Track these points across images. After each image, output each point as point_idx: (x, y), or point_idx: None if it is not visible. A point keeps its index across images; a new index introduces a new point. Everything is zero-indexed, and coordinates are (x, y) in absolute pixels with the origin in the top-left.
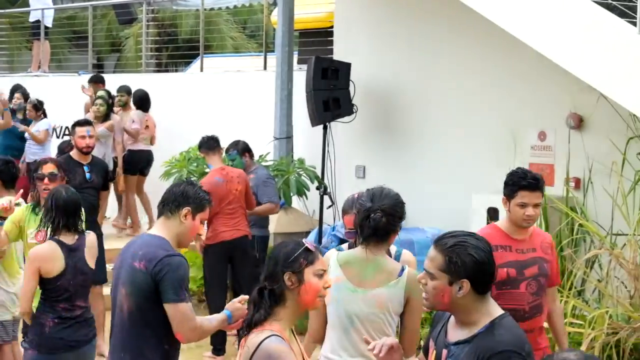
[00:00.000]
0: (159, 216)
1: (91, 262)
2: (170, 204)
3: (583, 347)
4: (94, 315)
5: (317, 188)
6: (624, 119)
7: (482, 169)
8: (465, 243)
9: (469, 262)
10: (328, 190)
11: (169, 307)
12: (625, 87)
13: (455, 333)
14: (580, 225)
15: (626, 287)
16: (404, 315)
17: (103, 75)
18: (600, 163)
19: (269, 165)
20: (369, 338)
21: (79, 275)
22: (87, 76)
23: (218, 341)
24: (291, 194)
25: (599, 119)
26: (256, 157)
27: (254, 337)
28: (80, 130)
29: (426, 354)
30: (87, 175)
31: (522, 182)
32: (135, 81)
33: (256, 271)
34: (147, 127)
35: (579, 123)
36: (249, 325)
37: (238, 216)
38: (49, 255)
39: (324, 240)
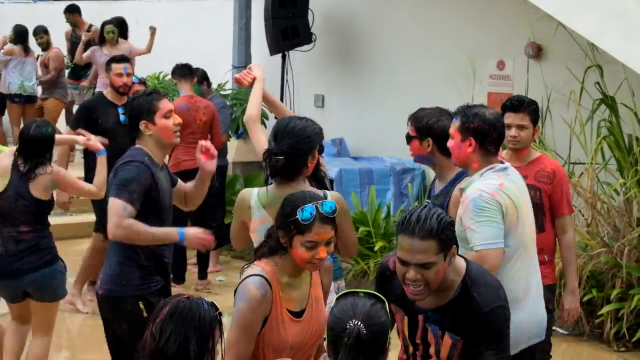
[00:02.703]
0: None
1: (39, 193)
2: (131, 130)
3: None
4: None
5: (276, 117)
6: (582, 48)
7: (441, 98)
8: (441, 216)
9: (453, 229)
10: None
11: (109, 201)
12: (583, 16)
13: (427, 298)
14: None
15: (583, 216)
16: (338, 234)
17: (56, 3)
18: (558, 92)
19: (228, 95)
20: None
21: (20, 199)
22: (42, 3)
23: (177, 269)
24: None
25: (557, 48)
26: (214, 86)
27: (248, 269)
28: (117, 67)
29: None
30: (122, 117)
31: (506, 103)
32: (93, 9)
33: (216, 201)
34: None
35: (537, 52)
36: (256, 257)
37: None
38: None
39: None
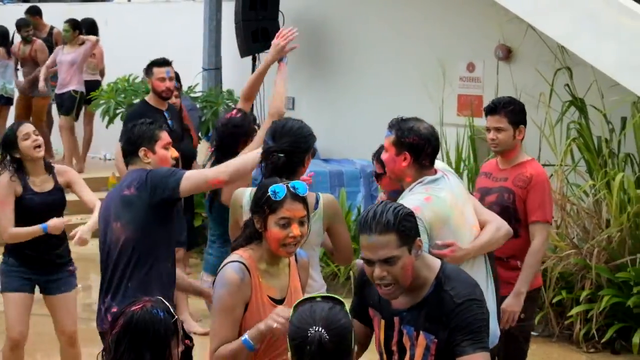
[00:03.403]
0: (127, 167)
1: None
2: (127, 154)
3: None
4: None
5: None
6: (551, 50)
7: (411, 100)
8: (398, 208)
9: (414, 220)
10: (257, 121)
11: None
12: (553, 18)
13: (401, 299)
14: None
15: (553, 217)
16: (332, 237)
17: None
18: (528, 94)
19: (198, 97)
20: None
21: None
22: (11, 5)
23: None
24: None
25: (527, 50)
26: (185, 88)
27: (228, 257)
28: (159, 71)
29: (361, 319)
30: (170, 122)
31: (487, 106)
32: (61, 11)
33: (183, 203)
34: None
35: (507, 54)
36: (232, 248)
37: None
38: None
39: (253, 171)
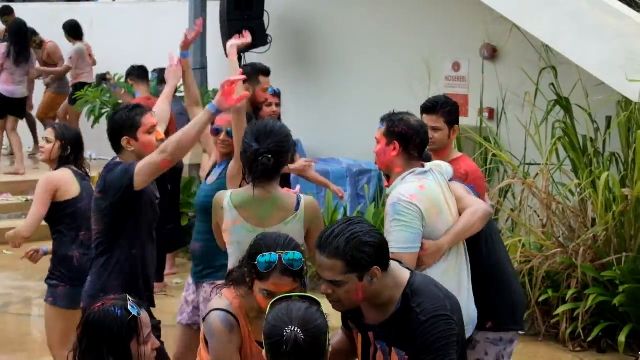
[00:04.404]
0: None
1: None
2: (111, 143)
3: None
4: None
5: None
6: (536, 50)
7: (396, 99)
8: (355, 235)
9: (370, 251)
10: None
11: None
12: (537, 18)
13: (373, 314)
14: (494, 155)
15: (539, 216)
16: (310, 240)
17: (11, 5)
18: (513, 93)
19: (184, 96)
20: None
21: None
22: None
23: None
24: None
25: (512, 49)
26: None
27: (214, 300)
28: (266, 81)
29: (347, 327)
30: None
31: (424, 105)
32: (45, 11)
33: (170, 203)
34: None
35: (492, 54)
36: (227, 280)
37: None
38: (65, 179)
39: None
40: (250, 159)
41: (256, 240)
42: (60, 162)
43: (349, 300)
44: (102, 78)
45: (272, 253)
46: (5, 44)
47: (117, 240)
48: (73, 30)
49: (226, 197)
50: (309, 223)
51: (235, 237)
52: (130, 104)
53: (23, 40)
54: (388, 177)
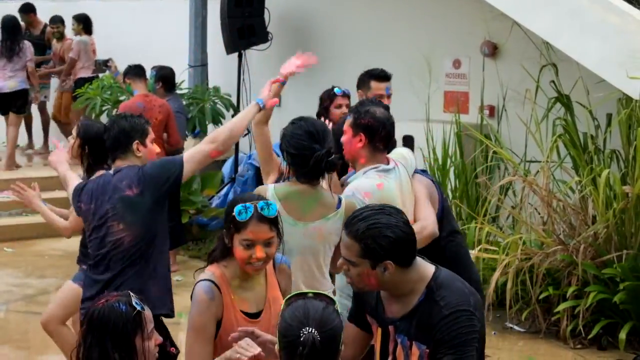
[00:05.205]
0: (113, 161)
1: None
2: (118, 147)
3: (497, 273)
4: None
5: (233, 116)
6: (537, 47)
7: (397, 96)
8: (377, 225)
9: (386, 245)
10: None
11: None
12: (538, 15)
13: (395, 307)
14: (495, 152)
15: (539, 214)
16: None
17: (12, 1)
18: (514, 91)
19: (184, 94)
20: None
21: None
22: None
23: None
24: (206, 122)
25: (512, 46)
26: None
27: (200, 275)
28: (379, 87)
29: (358, 324)
30: None
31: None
32: (47, 8)
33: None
34: (93, 51)
35: (493, 51)
36: (208, 261)
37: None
38: None
39: (240, 168)
40: (316, 159)
41: (229, 204)
42: (86, 163)
43: (361, 283)
44: (104, 64)
45: (248, 203)
46: None
47: (153, 242)
48: (87, 23)
49: (269, 190)
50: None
51: None
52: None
53: (13, 35)
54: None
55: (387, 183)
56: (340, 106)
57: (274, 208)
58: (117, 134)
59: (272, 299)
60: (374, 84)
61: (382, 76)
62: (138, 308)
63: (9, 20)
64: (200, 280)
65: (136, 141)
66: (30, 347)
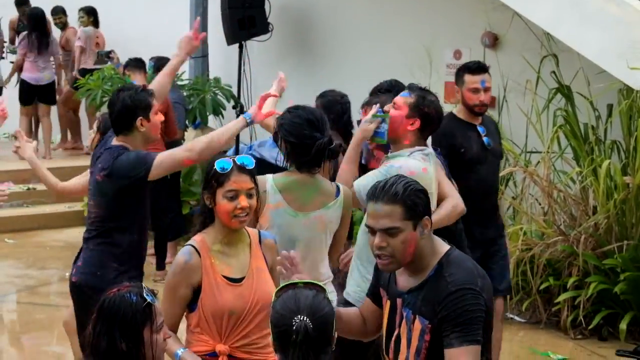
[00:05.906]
0: (116, 135)
1: None
2: (121, 123)
3: None
4: None
5: (234, 107)
6: (538, 38)
7: None
8: (410, 183)
9: (424, 198)
10: (244, 109)
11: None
12: (538, 5)
13: (406, 281)
14: None
15: (540, 204)
16: (338, 232)
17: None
18: (514, 81)
19: (185, 85)
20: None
21: None
22: None
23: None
24: (207, 113)
25: (513, 37)
26: None
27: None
28: (473, 81)
29: (374, 300)
30: (485, 139)
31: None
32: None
33: (171, 191)
34: (97, 44)
35: (493, 42)
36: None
37: None
38: None
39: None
40: (317, 148)
41: (208, 166)
42: None
43: (403, 254)
44: (107, 56)
45: (225, 159)
46: (24, 32)
47: (118, 224)
48: (94, 14)
49: (269, 181)
50: (346, 210)
51: (276, 220)
52: (133, 85)
53: (41, 27)
54: (384, 147)
55: (429, 168)
56: None
57: (252, 161)
58: (120, 109)
59: (256, 269)
60: (467, 77)
61: (476, 68)
62: (149, 300)
63: (36, 14)
64: (184, 246)
65: (140, 117)
66: (32, 338)
